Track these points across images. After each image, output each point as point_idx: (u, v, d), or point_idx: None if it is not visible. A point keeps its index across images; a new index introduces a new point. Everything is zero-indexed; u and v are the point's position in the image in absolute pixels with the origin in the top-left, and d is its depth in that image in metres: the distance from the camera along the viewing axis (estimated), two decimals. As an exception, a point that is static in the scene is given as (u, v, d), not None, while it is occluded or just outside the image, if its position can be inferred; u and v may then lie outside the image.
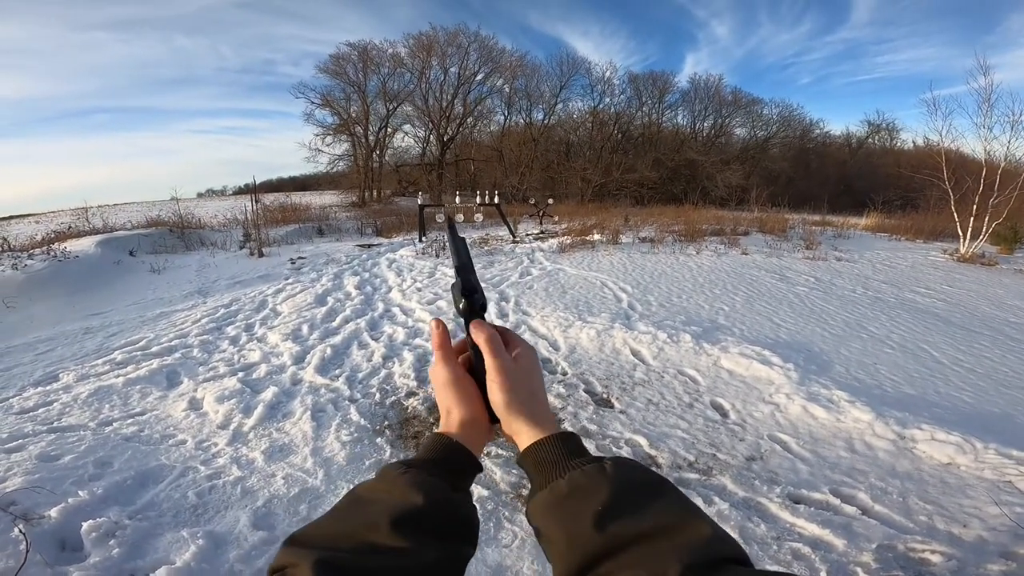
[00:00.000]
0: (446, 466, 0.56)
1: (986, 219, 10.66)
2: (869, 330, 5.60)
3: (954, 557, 2.36)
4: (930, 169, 11.96)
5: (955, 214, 11.17)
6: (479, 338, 0.63)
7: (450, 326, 0.67)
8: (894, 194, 19.28)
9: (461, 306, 0.64)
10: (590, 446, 2.70)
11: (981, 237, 10.61)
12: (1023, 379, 4.44)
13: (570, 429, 0.67)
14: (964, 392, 4.13)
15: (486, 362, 0.62)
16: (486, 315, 0.67)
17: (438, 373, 0.65)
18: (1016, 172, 10.86)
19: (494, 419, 0.63)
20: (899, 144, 38.38)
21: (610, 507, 0.48)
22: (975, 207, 10.77)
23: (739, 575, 0.43)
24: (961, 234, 10.85)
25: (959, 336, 5.52)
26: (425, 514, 0.49)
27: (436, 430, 0.62)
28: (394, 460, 0.57)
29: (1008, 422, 3.65)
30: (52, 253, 8.84)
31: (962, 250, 10.56)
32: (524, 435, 0.59)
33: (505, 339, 0.66)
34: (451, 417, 0.62)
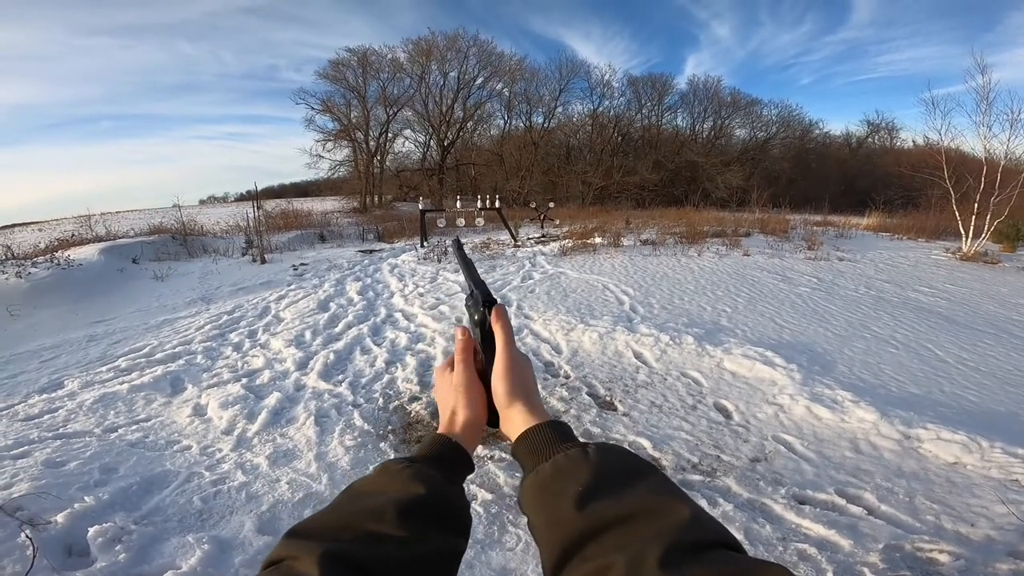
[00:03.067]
0: (444, 463, 0.59)
1: (988, 217, 10.65)
2: (872, 330, 5.60)
3: (962, 557, 2.34)
4: (930, 168, 11.95)
5: (956, 213, 11.14)
6: (501, 324, 0.66)
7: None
8: (895, 193, 19.26)
9: (477, 316, 0.68)
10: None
11: (983, 235, 10.59)
12: (1028, 377, 4.42)
13: (562, 419, 0.69)
14: (969, 391, 4.12)
15: (498, 351, 0.65)
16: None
17: (456, 375, 0.68)
18: (1017, 170, 10.85)
19: (492, 423, 0.66)
20: (899, 143, 38.40)
21: (591, 489, 0.49)
22: (976, 205, 10.75)
23: (721, 559, 0.41)
24: (963, 232, 10.84)
25: (963, 335, 5.51)
26: (427, 504, 0.51)
27: (437, 430, 0.65)
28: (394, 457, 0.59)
29: (1014, 421, 3.64)
30: (56, 261, 8.85)
31: (964, 248, 10.54)
32: (520, 422, 0.61)
33: None
34: (456, 418, 0.65)
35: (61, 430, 3.61)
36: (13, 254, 9.81)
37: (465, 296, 0.73)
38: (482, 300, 0.69)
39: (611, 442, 0.63)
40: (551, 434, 0.58)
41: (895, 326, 5.74)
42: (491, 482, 2.98)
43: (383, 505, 0.50)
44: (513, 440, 0.60)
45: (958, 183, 11.28)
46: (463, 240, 12.87)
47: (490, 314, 0.67)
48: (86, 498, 2.71)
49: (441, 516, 0.52)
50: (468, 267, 0.74)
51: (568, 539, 0.47)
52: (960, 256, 10.29)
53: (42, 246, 11.49)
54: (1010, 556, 2.36)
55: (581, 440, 0.56)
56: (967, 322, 6.03)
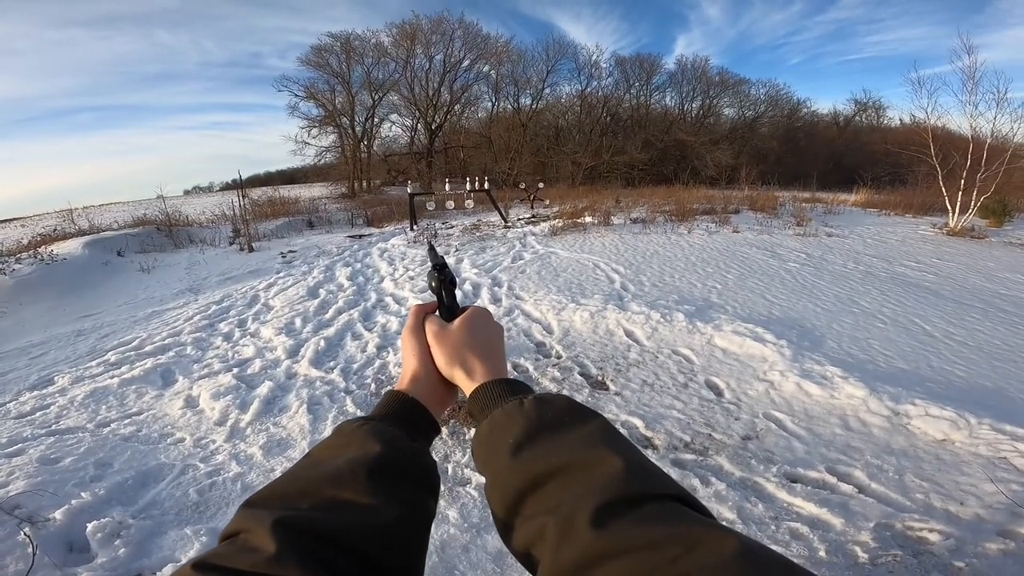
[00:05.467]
0: (403, 420, 0.57)
1: (974, 193, 10.74)
2: (861, 304, 5.65)
3: (952, 536, 2.36)
4: (917, 146, 12.01)
5: (943, 189, 11.25)
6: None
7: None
8: (882, 170, 19.37)
9: (433, 284, 0.71)
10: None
11: (970, 211, 10.69)
12: (1014, 352, 4.48)
13: (516, 377, 0.68)
14: (956, 366, 4.16)
15: (428, 322, 0.67)
16: (456, 290, 0.74)
17: (404, 331, 0.68)
18: (1003, 147, 10.94)
19: None
20: (886, 122, 38.55)
21: (521, 441, 0.47)
22: (963, 182, 10.85)
23: (663, 514, 0.38)
24: (950, 208, 10.94)
25: (950, 309, 5.58)
26: (384, 462, 0.48)
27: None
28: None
29: (1001, 396, 3.67)
30: (39, 257, 8.74)
31: (951, 224, 10.65)
32: (466, 389, 0.60)
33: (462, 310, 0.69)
34: (404, 373, 0.64)
35: (54, 426, 3.59)
36: (-4, 250, 9.68)
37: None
38: (432, 264, 0.73)
39: (557, 392, 0.61)
40: (492, 392, 0.56)
41: (883, 301, 5.80)
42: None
43: (340, 467, 0.47)
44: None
45: (944, 160, 11.37)
46: (453, 223, 12.83)
47: (439, 272, 0.71)
48: (83, 494, 2.71)
49: (403, 474, 0.49)
50: (432, 251, 0.79)
51: (507, 495, 0.45)
52: (947, 231, 10.39)
53: (25, 242, 11.34)
54: (999, 536, 2.37)
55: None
56: (954, 296, 6.10)
